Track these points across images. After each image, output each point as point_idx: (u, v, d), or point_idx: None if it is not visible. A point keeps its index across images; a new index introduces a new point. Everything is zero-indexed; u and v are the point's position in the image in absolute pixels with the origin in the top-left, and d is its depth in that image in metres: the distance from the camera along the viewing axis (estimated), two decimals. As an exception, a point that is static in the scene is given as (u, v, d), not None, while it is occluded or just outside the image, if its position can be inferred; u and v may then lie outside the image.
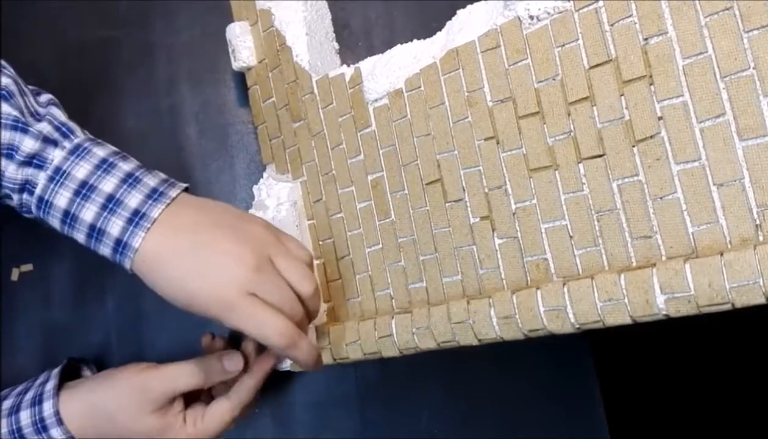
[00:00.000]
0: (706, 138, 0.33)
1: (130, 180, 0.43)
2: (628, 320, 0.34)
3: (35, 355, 0.59)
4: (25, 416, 0.46)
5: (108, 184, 0.43)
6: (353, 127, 0.47)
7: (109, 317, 0.58)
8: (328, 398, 0.55)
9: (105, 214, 0.43)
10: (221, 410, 0.47)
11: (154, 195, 0.43)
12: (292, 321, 0.42)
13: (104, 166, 0.44)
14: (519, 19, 0.38)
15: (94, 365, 0.55)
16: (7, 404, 0.47)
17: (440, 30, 0.44)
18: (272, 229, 0.45)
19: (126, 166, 0.44)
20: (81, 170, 0.43)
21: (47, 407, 0.46)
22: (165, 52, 0.60)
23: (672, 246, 0.34)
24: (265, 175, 0.55)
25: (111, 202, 0.43)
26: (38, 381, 0.48)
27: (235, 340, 0.52)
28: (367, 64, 0.47)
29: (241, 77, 0.57)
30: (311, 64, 0.51)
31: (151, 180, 0.44)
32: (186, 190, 0.45)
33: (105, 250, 0.43)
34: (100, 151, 0.44)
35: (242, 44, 0.54)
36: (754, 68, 0.31)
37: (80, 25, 0.62)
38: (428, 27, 0.53)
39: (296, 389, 0.56)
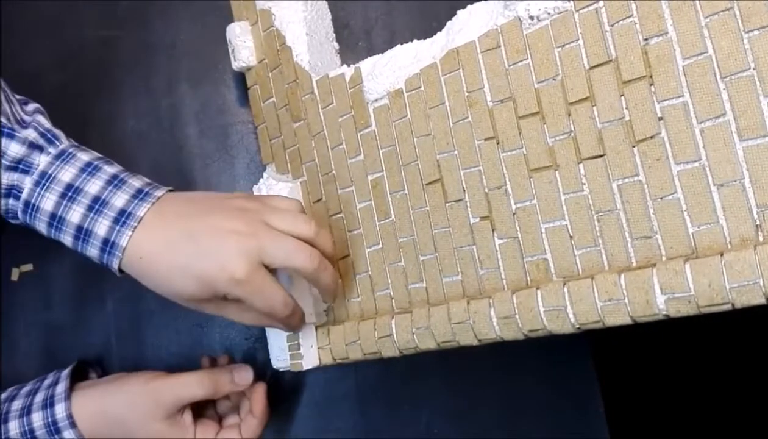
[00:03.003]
0: (707, 138, 0.33)
1: (115, 182, 0.44)
2: (628, 321, 0.34)
3: (35, 355, 0.59)
4: (37, 418, 0.47)
5: (93, 186, 0.43)
6: (353, 127, 0.47)
7: (109, 317, 0.58)
8: (328, 398, 0.55)
9: (91, 215, 0.43)
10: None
11: (139, 195, 0.43)
12: (311, 267, 0.43)
13: (89, 169, 0.44)
14: (519, 19, 0.38)
15: (99, 367, 0.56)
16: (16, 405, 0.48)
17: (440, 30, 0.44)
18: (254, 196, 0.46)
19: (111, 169, 0.45)
20: (66, 174, 0.44)
21: (59, 410, 0.47)
22: (165, 52, 0.60)
23: (672, 246, 0.34)
24: (265, 175, 0.55)
25: (97, 203, 0.43)
26: (47, 382, 0.49)
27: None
28: (367, 64, 0.47)
29: (241, 77, 0.57)
30: (311, 64, 0.51)
31: (136, 182, 0.44)
32: (171, 191, 0.46)
33: (92, 251, 0.43)
34: (85, 156, 0.45)
35: (242, 44, 0.54)
36: (754, 69, 0.31)
37: (80, 25, 0.62)
38: (428, 27, 0.53)
39: (296, 389, 0.56)
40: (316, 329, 0.49)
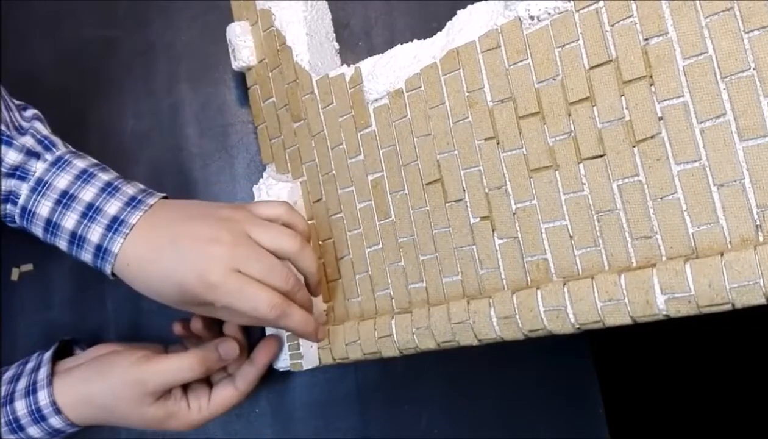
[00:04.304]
0: (707, 138, 0.33)
1: (109, 189, 0.45)
2: (628, 321, 0.34)
3: (35, 355, 0.59)
4: (20, 406, 0.46)
5: (88, 194, 0.45)
6: (353, 127, 0.47)
7: (109, 317, 0.58)
8: (328, 398, 0.55)
9: (85, 221, 0.44)
10: (227, 396, 0.49)
11: (132, 203, 0.45)
12: (284, 289, 0.43)
13: (84, 176, 0.45)
14: (519, 19, 0.38)
15: (86, 345, 0.55)
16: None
17: (440, 30, 0.44)
18: (240, 205, 0.46)
19: (105, 176, 0.46)
20: (62, 181, 0.45)
21: (42, 397, 0.46)
22: (165, 52, 0.60)
23: (672, 246, 0.34)
24: (265, 175, 0.55)
25: (91, 210, 0.44)
26: (29, 366, 0.48)
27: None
28: (367, 64, 0.47)
29: (241, 77, 0.57)
30: (311, 64, 0.51)
31: (129, 189, 0.46)
32: (165, 197, 0.47)
33: (86, 256, 0.45)
34: (80, 163, 0.46)
35: (242, 44, 0.54)
36: (754, 69, 0.31)
37: (80, 25, 0.62)
38: (428, 27, 0.53)
39: (296, 389, 0.56)
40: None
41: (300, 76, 0.51)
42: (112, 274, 0.45)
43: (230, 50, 0.54)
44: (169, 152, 0.59)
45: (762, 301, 0.30)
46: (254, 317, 0.43)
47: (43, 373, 0.47)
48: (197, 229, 0.43)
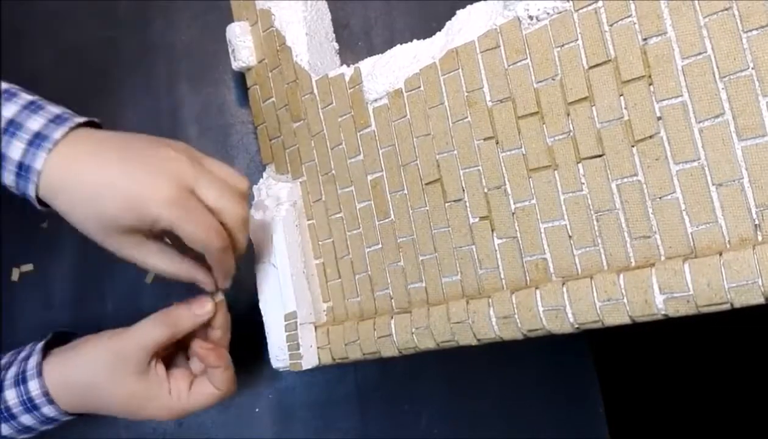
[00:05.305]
0: (705, 138, 0.33)
1: (32, 107, 0.42)
2: (627, 320, 0.34)
3: (35, 355, 0.59)
4: (11, 396, 0.45)
5: (8, 111, 0.41)
6: (353, 127, 0.47)
7: (109, 317, 0.58)
8: (328, 398, 0.55)
9: (6, 137, 0.41)
10: (208, 394, 0.47)
11: (57, 120, 0.41)
12: (229, 225, 0.42)
13: (5, 95, 0.42)
14: (518, 19, 0.38)
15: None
16: None
17: (440, 30, 0.44)
18: (193, 154, 0.44)
19: (29, 96, 0.43)
20: None
21: (33, 387, 0.45)
22: (165, 52, 0.60)
23: (671, 246, 0.34)
24: (264, 175, 0.55)
25: (11, 127, 0.41)
26: (22, 355, 0.47)
27: None
28: (366, 64, 0.47)
29: (241, 77, 0.57)
30: (311, 64, 0.51)
31: (55, 108, 0.43)
32: (99, 126, 0.44)
33: (9, 177, 0.41)
34: (4, 84, 0.43)
35: (242, 44, 0.54)
36: (753, 68, 0.31)
37: (80, 25, 0.62)
38: (428, 27, 0.53)
39: (296, 389, 0.56)
40: (316, 329, 0.49)
41: (300, 77, 0.51)
42: (41, 201, 0.41)
43: (230, 50, 0.55)
44: (169, 152, 0.59)
45: (760, 300, 0.30)
46: (198, 242, 0.40)
47: (33, 362, 0.46)
48: (147, 148, 0.41)
